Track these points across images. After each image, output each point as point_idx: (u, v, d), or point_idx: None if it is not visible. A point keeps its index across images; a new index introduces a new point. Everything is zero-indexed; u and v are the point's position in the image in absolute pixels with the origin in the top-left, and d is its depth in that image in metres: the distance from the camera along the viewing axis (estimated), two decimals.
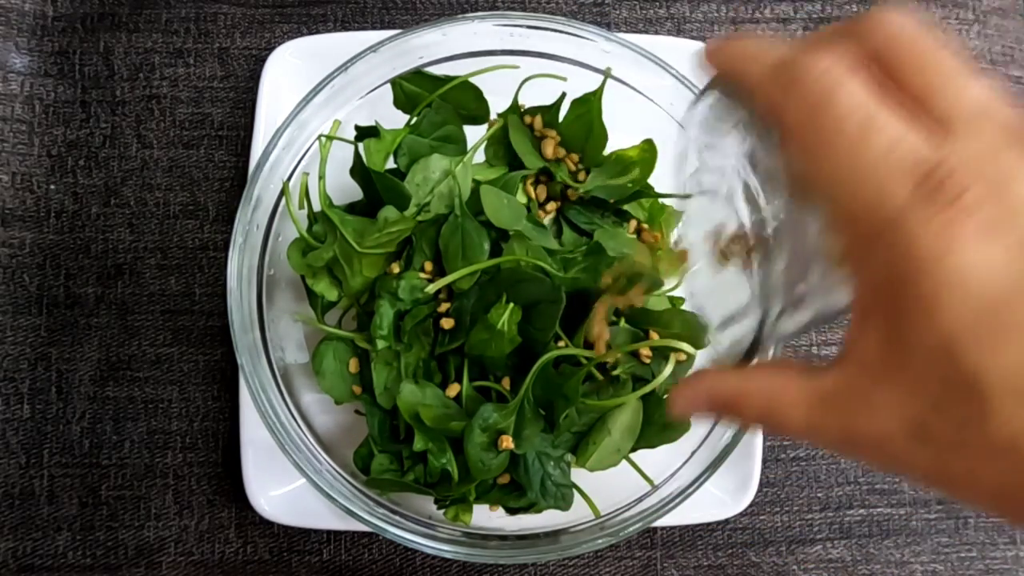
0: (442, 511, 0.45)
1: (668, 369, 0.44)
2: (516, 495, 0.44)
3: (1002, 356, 0.19)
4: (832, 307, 0.25)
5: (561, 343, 0.43)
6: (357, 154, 0.45)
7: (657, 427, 0.44)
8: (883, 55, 0.22)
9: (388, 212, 0.43)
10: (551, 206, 0.47)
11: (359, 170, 0.45)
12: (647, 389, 0.43)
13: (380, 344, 0.43)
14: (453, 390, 0.44)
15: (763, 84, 0.24)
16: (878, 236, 0.21)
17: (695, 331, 0.45)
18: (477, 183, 0.46)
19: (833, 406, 0.24)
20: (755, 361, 0.30)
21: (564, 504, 0.43)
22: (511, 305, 0.42)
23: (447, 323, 0.44)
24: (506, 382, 0.44)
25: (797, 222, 0.26)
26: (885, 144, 0.21)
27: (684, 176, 0.30)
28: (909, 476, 0.24)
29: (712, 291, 0.31)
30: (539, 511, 0.44)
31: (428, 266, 0.45)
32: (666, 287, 0.46)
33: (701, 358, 0.45)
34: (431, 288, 0.43)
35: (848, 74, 0.22)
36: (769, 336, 0.28)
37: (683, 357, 0.45)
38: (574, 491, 0.44)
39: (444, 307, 0.44)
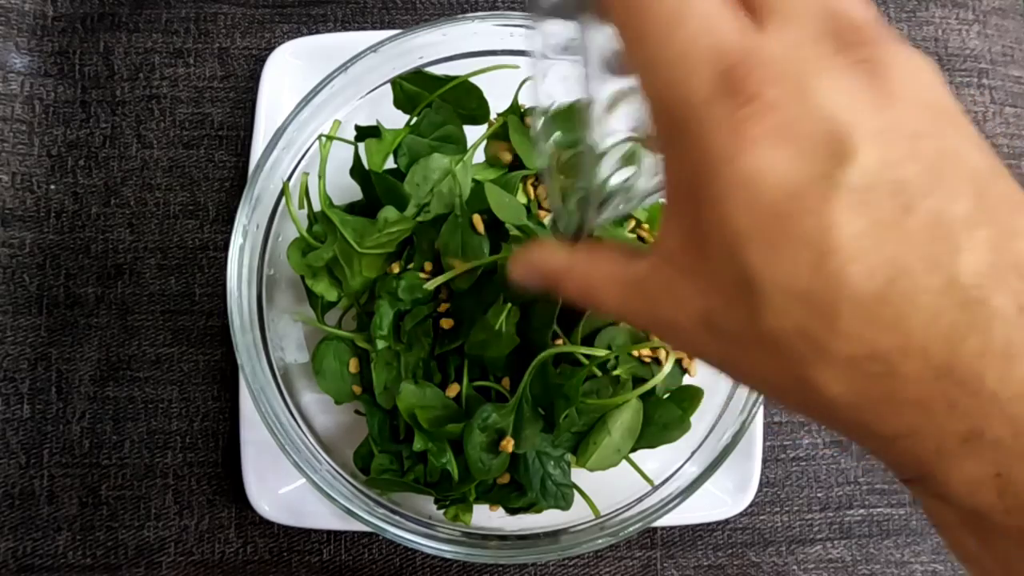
0: (442, 511, 0.45)
1: (667, 368, 0.44)
2: (516, 495, 0.44)
3: (778, 261, 0.20)
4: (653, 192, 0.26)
5: (559, 341, 0.43)
6: (356, 154, 0.45)
7: (657, 427, 0.44)
8: None
9: (388, 212, 0.43)
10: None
11: (358, 170, 0.45)
12: (647, 387, 0.43)
13: (380, 344, 0.43)
14: (453, 390, 0.44)
15: None
16: (682, 129, 0.21)
17: None
18: (477, 183, 0.46)
19: (642, 292, 0.24)
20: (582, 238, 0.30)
21: (564, 504, 0.43)
22: (509, 305, 0.42)
23: (446, 323, 0.44)
24: (506, 382, 0.44)
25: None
26: (695, 29, 0.20)
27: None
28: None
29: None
30: (539, 511, 0.44)
31: (428, 266, 0.45)
32: None
33: None
34: (430, 284, 0.43)
35: None
36: (594, 213, 0.28)
37: (686, 362, 0.45)
38: (574, 491, 0.44)
39: (444, 307, 0.44)
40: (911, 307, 0.19)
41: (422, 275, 0.44)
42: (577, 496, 0.44)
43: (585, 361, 0.43)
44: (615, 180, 0.27)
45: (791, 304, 0.20)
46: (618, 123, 0.26)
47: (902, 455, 0.21)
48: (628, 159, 0.27)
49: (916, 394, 0.19)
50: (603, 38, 0.24)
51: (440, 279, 0.43)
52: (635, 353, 0.44)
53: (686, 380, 0.46)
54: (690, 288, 0.23)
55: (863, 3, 0.21)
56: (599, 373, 0.44)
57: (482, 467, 0.42)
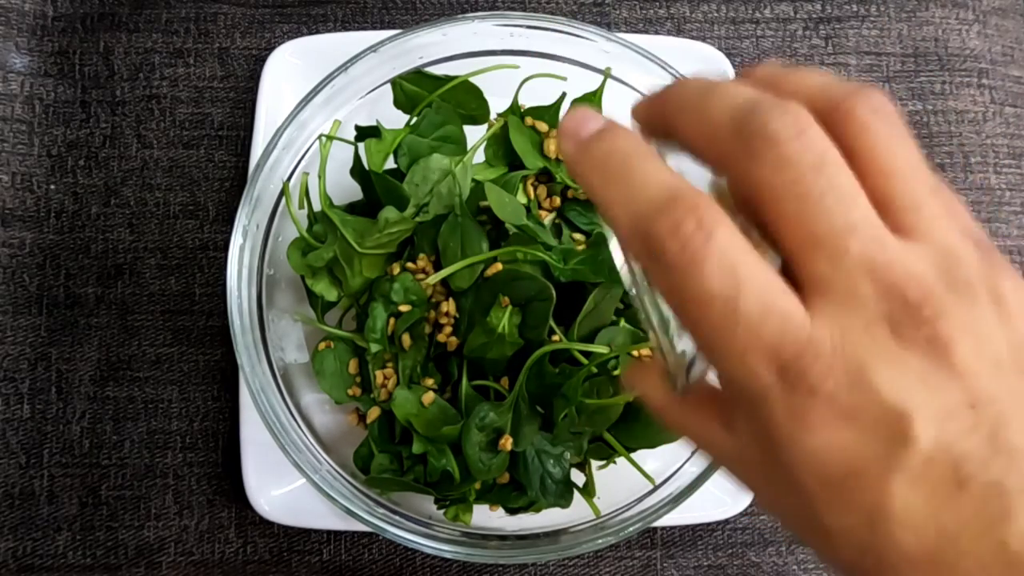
0: (442, 511, 0.45)
1: None
2: (516, 495, 0.44)
3: (840, 517, 0.21)
4: None
5: (555, 338, 0.43)
6: (356, 154, 0.45)
7: (657, 427, 0.44)
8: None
9: (388, 213, 0.43)
10: (550, 205, 0.47)
11: (359, 171, 0.45)
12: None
13: (374, 347, 0.43)
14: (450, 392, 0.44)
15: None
16: (749, 403, 0.22)
17: None
18: (477, 183, 0.46)
19: (684, 417, 0.26)
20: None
21: (564, 502, 0.43)
22: (510, 307, 0.42)
23: (446, 327, 0.44)
24: (505, 382, 0.44)
25: None
26: (750, 326, 0.21)
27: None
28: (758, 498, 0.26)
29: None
30: (539, 510, 0.44)
31: (428, 266, 0.45)
32: None
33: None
34: (431, 280, 0.43)
35: (718, 225, 0.21)
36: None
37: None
38: (574, 490, 0.44)
39: (445, 307, 0.44)
40: (957, 569, 0.20)
41: (419, 276, 0.44)
42: (577, 496, 0.44)
43: (584, 360, 0.43)
44: None
45: (850, 546, 0.22)
46: None
47: None
48: None
49: None
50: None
51: (439, 275, 0.43)
52: (635, 353, 0.44)
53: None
54: (765, 486, 0.24)
55: (920, 270, 0.21)
56: (595, 369, 0.44)
57: (482, 467, 0.42)
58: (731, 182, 0.23)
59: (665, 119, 0.25)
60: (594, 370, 0.43)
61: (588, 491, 0.45)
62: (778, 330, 0.21)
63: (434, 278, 0.43)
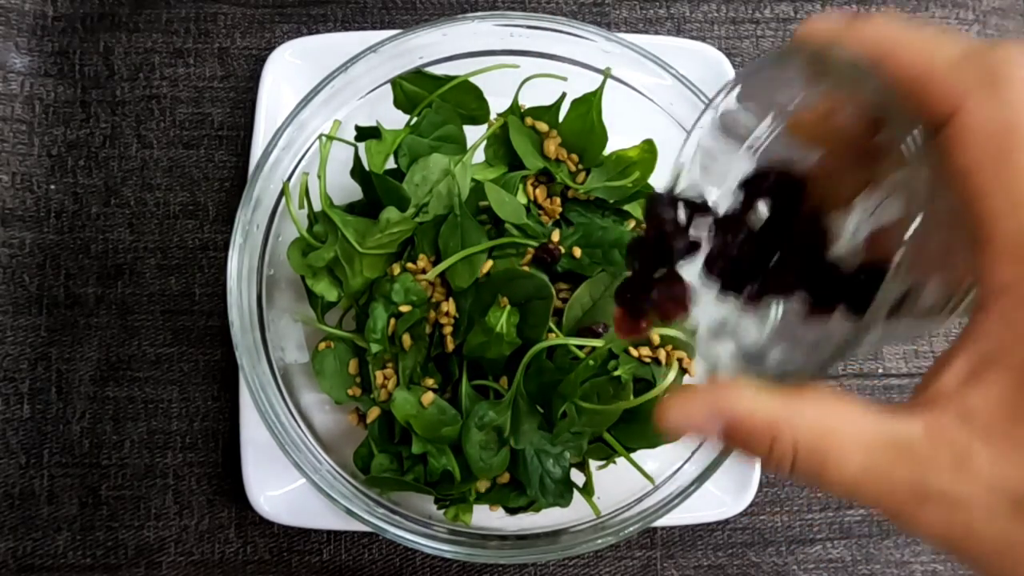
0: (442, 511, 0.45)
1: (672, 374, 0.43)
2: (516, 494, 0.44)
3: None
4: (913, 332, 0.24)
5: (552, 335, 0.43)
6: (357, 156, 0.45)
7: (656, 427, 0.44)
8: None
9: (390, 213, 0.43)
10: (551, 205, 0.47)
11: (359, 172, 0.45)
12: (652, 395, 0.43)
13: (374, 347, 0.43)
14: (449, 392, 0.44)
15: (942, 72, 0.21)
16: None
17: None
18: (477, 183, 0.46)
19: (907, 455, 0.21)
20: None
21: (563, 501, 0.43)
22: (508, 307, 0.42)
23: (446, 326, 0.44)
24: (504, 381, 0.44)
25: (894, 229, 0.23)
26: None
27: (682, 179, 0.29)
28: (961, 549, 0.21)
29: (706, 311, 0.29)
30: (538, 510, 0.44)
31: (426, 265, 0.45)
32: None
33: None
34: (431, 274, 0.43)
35: None
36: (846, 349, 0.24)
37: (686, 361, 0.45)
38: (574, 490, 0.44)
39: (445, 307, 0.44)
40: None
41: (420, 277, 0.44)
42: (577, 496, 0.44)
43: (580, 354, 0.42)
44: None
45: None
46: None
47: None
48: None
49: None
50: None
51: (438, 268, 0.43)
52: (634, 353, 0.44)
53: (686, 380, 0.46)
54: (1001, 458, 0.20)
55: None
56: (592, 363, 0.44)
57: (483, 465, 0.42)
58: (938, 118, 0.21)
59: (870, 46, 0.23)
60: (591, 363, 0.43)
61: (587, 491, 0.45)
62: None
63: (432, 272, 0.43)
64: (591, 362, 0.42)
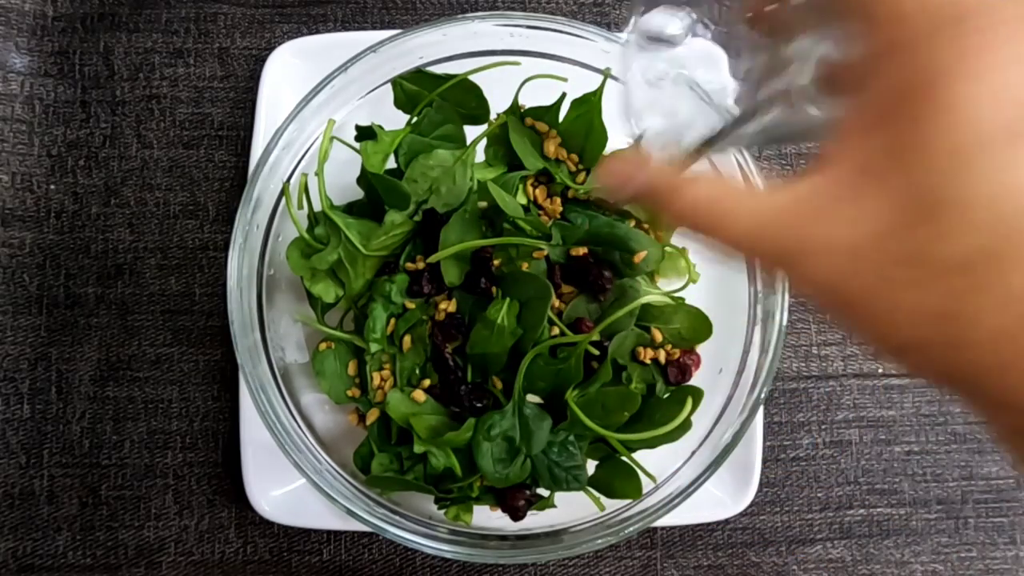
0: (442, 511, 0.45)
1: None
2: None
3: (999, 177, 0.19)
4: (797, 121, 0.26)
5: (555, 329, 0.43)
6: (364, 165, 0.45)
7: (657, 427, 0.44)
8: None
9: (394, 215, 0.43)
10: (551, 206, 0.47)
11: (365, 180, 0.45)
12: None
13: (374, 347, 0.43)
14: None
15: None
16: (900, 45, 0.21)
17: (699, 327, 0.45)
18: (477, 183, 0.46)
19: (788, 214, 0.23)
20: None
21: (578, 484, 0.43)
22: (507, 300, 0.42)
23: (445, 306, 0.44)
24: (504, 382, 0.44)
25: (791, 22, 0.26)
26: None
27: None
28: (834, 302, 0.23)
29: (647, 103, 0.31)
30: (540, 509, 0.44)
31: (421, 263, 0.45)
32: (670, 287, 0.46)
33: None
34: (432, 259, 0.43)
35: None
36: (724, 136, 0.28)
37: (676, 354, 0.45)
38: (575, 489, 0.44)
39: (444, 305, 0.44)
40: None
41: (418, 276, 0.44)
42: (577, 496, 0.44)
43: (574, 337, 0.42)
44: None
45: (993, 222, 0.19)
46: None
47: None
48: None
49: None
50: None
51: (436, 257, 0.43)
52: (640, 357, 0.44)
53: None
54: (868, 206, 0.22)
55: None
56: (590, 347, 0.44)
57: (499, 478, 0.42)
58: None
59: None
60: (593, 351, 0.43)
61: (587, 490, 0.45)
62: None
63: (431, 260, 0.43)
64: (590, 346, 0.42)
